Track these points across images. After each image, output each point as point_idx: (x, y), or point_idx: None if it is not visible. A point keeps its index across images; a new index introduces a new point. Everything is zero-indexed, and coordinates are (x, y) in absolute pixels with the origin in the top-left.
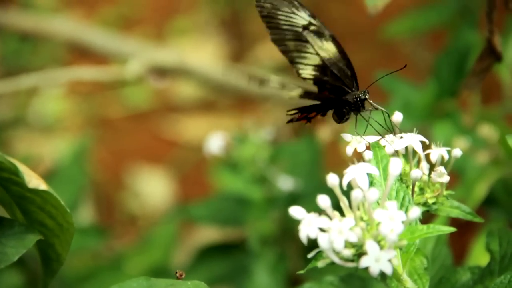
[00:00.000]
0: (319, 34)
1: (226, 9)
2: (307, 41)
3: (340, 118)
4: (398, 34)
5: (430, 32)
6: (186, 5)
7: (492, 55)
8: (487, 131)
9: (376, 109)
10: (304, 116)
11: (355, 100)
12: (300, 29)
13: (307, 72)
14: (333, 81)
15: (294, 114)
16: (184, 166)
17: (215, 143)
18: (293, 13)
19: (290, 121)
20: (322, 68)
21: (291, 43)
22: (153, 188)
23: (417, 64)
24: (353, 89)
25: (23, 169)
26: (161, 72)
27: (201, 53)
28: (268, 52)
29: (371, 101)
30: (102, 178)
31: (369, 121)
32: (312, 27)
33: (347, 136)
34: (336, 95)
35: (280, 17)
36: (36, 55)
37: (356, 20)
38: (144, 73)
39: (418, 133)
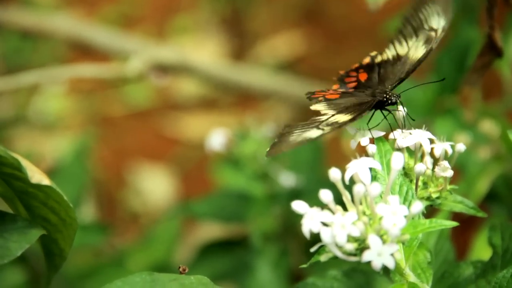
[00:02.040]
0: (429, 41)
1: (227, 7)
2: (417, 36)
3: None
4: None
5: None
6: (187, 3)
7: (493, 51)
8: (488, 127)
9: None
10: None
11: (384, 98)
12: (426, 27)
13: (388, 54)
14: (388, 71)
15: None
16: (185, 163)
17: (217, 139)
18: (438, 15)
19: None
20: (398, 58)
21: (409, 28)
22: (154, 186)
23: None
24: (388, 87)
25: (26, 164)
26: (163, 69)
27: (202, 51)
28: (269, 50)
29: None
30: (104, 176)
31: (380, 119)
32: (432, 33)
33: (351, 130)
34: (373, 85)
35: (427, 9)
36: (37, 53)
37: (356, 17)
38: (145, 71)
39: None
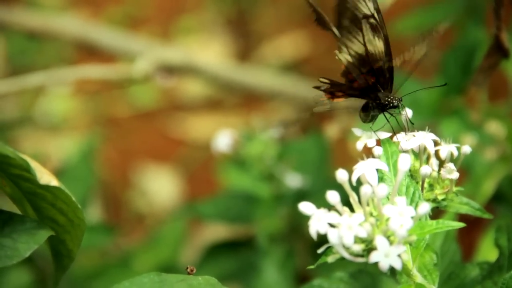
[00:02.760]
0: (374, 29)
1: (232, 8)
2: (360, 29)
3: (367, 116)
4: (405, 31)
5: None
6: (192, 4)
7: (500, 51)
8: (495, 128)
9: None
10: (331, 91)
11: (386, 102)
12: (360, 15)
13: (346, 54)
14: (367, 75)
15: (325, 83)
16: (191, 164)
17: (223, 140)
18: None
19: (317, 87)
20: (363, 59)
21: (346, 21)
22: (160, 187)
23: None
24: (386, 91)
25: (34, 165)
26: (169, 70)
27: (207, 52)
28: (274, 51)
29: (404, 111)
30: (110, 177)
31: (385, 121)
32: (371, 20)
33: (357, 131)
34: (367, 91)
35: None
36: (42, 54)
37: None
38: (151, 72)
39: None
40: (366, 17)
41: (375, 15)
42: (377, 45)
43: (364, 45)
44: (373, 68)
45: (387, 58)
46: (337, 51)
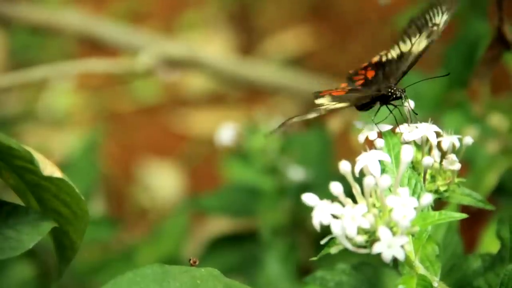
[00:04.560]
0: (430, 34)
1: (235, 3)
2: (421, 32)
3: (364, 106)
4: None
5: None
6: None
7: (502, 44)
8: (497, 120)
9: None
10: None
11: (389, 93)
12: (431, 24)
13: (394, 53)
14: (394, 69)
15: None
16: (194, 159)
17: (226, 134)
18: (443, 13)
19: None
20: (402, 56)
21: (413, 28)
22: (163, 182)
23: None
24: (392, 81)
25: (38, 157)
26: (171, 64)
27: (210, 47)
28: (277, 46)
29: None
30: (112, 172)
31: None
32: (434, 27)
33: (359, 124)
34: (380, 81)
35: (434, 10)
36: (45, 49)
37: (364, 12)
38: (154, 66)
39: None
40: (434, 25)
41: (440, 26)
42: (419, 47)
43: (412, 44)
44: (402, 61)
45: (415, 59)
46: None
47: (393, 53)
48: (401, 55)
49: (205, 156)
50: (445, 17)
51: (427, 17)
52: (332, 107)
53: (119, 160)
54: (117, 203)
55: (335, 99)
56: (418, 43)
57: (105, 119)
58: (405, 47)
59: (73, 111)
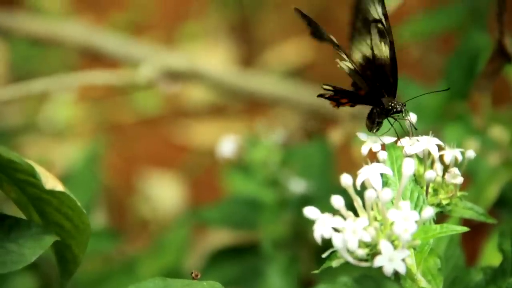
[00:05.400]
0: (381, 34)
1: (235, 14)
2: (369, 32)
3: (372, 123)
4: (408, 37)
5: (440, 34)
6: (196, 10)
7: (503, 56)
8: (498, 133)
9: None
10: (335, 98)
11: (390, 107)
12: (370, 19)
13: (356, 56)
14: (373, 79)
15: (328, 90)
16: (195, 170)
17: (228, 146)
18: (374, 3)
19: (321, 95)
20: (370, 62)
21: (359, 23)
22: (164, 193)
23: (427, 66)
24: (390, 96)
25: (39, 170)
26: (172, 76)
27: (211, 58)
28: (277, 57)
29: (408, 116)
30: (114, 183)
31: (389, 126)
32: (379, 25)
33: (362, 136)
34: (371, 94)
35: (364, 2)
36: (46, 61)
37: None
38: (155, 78)
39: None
40: (375, 21)
41: (383, 20)
42: (383, 50)
43: (371, 48)
44: (378, 73)
45: (391, 63)
46: (338, 60)
47: (357, 57)
48: (368, 60)
49: (206, 167)
50: (379, 8)
51: (362, 10)
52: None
53: (120, 171)
54: (119, 215)
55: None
56: (377, 47)
57: (106, 130)
58: (365, 50)
59: (74, 122)
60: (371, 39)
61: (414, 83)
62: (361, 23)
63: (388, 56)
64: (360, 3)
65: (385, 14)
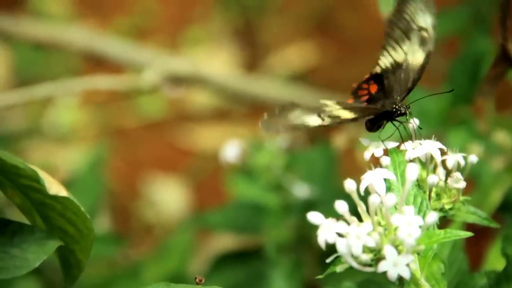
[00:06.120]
0: (423, 42)
1: (239, 19)
2: (409, 39)
3: (373, 125)
4: None
5: (443, 39)
6: (200, 14)
7: (506, 61)
8: (502, 137)
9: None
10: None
11: (393, 109)
12: (415, 27)
13: (385, 62)
14: (392, 82)
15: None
16: (199, 175)
17: (232, 151)
18: (423, 12)
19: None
20: (398, 66)
21: (398, 32)
22: (168, 197)
23: (430, 71)
24: (398, 98)
25: (43, 175)
26: (176, 81)
27: (214, 63)
28: (281, 61)
29: (411, 119)
30: (118, 188)
31: (392, 130)
32: (424, 33)
33: (365, 141)
34: (380, 96)
35: (411, 7)
36: (50, 65)
37: (368, 28)
38: (159, 82)
39: (435, 140)
40: (421, 29)
41: (429, 30)
42: (418, 57)
43: (406, 54)
44: (400, 77)
45: (419, 71)
46: (380, 57)
47: (386, 62)
48: (397, 66)
49: (210, 172)
50: (429, 19)
51: (407, 17)
52: (335, 112)
53: (124, 175)
54: (123, 219)
55: (340, 104)
56: (413, 53)
57: (110, 134)
58: (398, 56)
59: (78, 127)
60: (409, 45)
61: (417, 87)
62: (402, 31)
63: (421, 64)
64: (405, 13)
65: (433, 25)
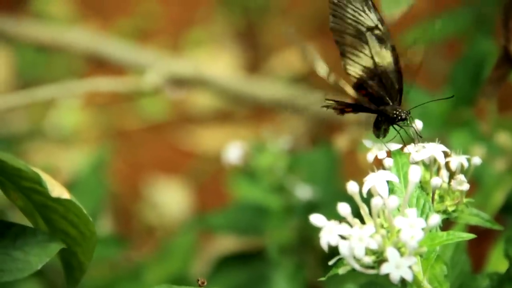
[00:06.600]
0: (381, 40)
1: (241, 20)
2: (366, 42)
3: (379, 130)
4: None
5: (446, 40)
6: (202, 16)
7: (509, 63)
8: (504, 139)
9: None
10: (339, 108)
11: (394, 115)
12: (364, 29)
13: (355, 70)
14: (377, 88)
15: (331, 102)
16: (201, 176)
17: (234, 152)
18: (364, 11)
19: (326, 106)
20: (372, 72)
21: (349, 38)
22: (170, 199)
23: (433, 72)
24: (395, 103)
25: (46, 178)
26: (178, 82)
27: (216, 64)
28: (283, 63)
29: (413, 124)
30: (120, 190)
31: (395, 133)
32: (376, 31)
33: (368, 143)
34: (376, 103)
35: (349, 10)
36: (52, 67)
37: None
38: (161, 84)
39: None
40: (370, 29)
41: (379, 26)
42: (385, 56)
43: (372, 58)
44: (382, 80)
45: (395, 68)
46: (347, 67)
47: (357, 70)
48: (370, 71)
49: (212, 173)
50: (373, 15)
51: (349, 21)
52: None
53: (127, 177)
54: (125, 221)
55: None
56: (378, 54)
57: (112, 136)
58: (365, 62)
59: (80, 128)
60: (369, 49)
61: (419, 89)
62: (352, 37)
63: (392, 61)
64: (347, 18)
65: (380, 19)
